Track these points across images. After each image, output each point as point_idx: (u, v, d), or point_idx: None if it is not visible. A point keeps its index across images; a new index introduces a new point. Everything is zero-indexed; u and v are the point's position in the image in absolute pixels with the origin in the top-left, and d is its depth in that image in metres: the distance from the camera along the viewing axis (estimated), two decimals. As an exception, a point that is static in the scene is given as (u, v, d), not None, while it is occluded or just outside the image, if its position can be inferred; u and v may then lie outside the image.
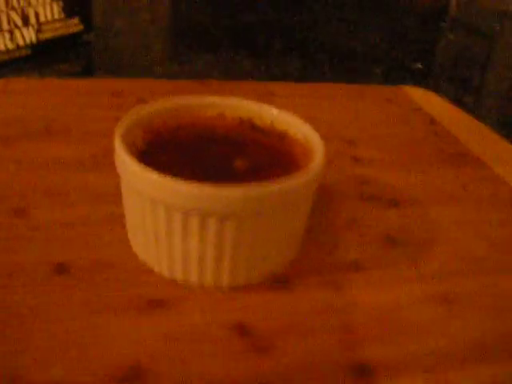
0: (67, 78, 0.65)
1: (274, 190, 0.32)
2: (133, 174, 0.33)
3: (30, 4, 0.67)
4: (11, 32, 0.67)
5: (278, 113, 0.41)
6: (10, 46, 0.68)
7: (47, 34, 0.71)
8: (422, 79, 0.80)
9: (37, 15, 0.69)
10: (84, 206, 0.41)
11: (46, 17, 0.69)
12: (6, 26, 0.67)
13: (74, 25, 0.72)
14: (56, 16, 0.70)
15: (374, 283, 0.37)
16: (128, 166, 0.33)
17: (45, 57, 0.71)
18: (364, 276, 0.38)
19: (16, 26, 0.68)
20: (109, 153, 0.48)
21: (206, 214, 0.32)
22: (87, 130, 0.51)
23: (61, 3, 0.69)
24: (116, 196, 0.42)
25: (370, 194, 0.47)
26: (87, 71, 0.69)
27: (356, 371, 0.31)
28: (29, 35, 0.69)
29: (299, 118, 0.40)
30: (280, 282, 0.36)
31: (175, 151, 0.37)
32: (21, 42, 0.69)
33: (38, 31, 0.70)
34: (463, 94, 0.78)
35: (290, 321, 0.34)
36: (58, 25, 0.71)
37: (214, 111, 0.42)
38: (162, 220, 0.33)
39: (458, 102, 0.71)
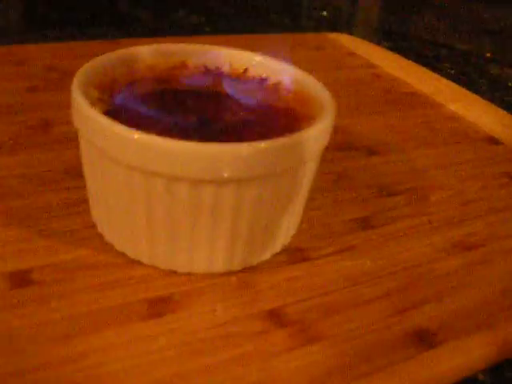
0: None
1: (292, 142, 0.26)
2: (116, 139, 0.25)
3: None
4: None
5: (254, 57, 0.34)
6: None
7: None
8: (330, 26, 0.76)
9: None
10: (28, 195, 0.32)
11: None
12: None
13: None
14: None
15: (392, 240, 0.33)
16: (102, 128, 0.25)
17: None
18: (378, 234, 0.33)
19: None
20: (33, 130, 0.39)
21: (220, 180, 0.25)
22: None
23: None
24: (64, 177, 0.34)
25: (343, 143, 0.42)
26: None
27: (415, 338, 0.26)
28: None
29: (279, 61, 0.34)
30: (294, 254, 0.31)
31: (140, 110, 0.30)
32: None
33: None
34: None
35: (327, 299, 0.28)
36: None
37: (172, 60, 0.34)
38: (157, 194, 0.25)
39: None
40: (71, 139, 0.37)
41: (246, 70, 0.34)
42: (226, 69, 0.34)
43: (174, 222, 0.26)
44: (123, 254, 0.29)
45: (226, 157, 0.24)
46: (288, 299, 0.28)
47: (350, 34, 0.70)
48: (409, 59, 0.65)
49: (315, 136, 0.27)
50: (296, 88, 0.32)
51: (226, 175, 0.25)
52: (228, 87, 0.33)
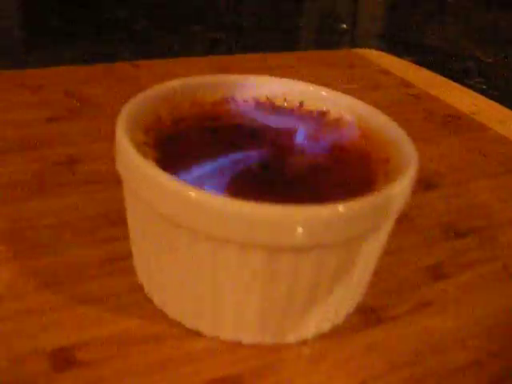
0: None
1: (379, 201, 0.22)
2: (170, 197, 0.21)
3: None
4: None
5: (310, 88, 0.31)
6: None
7: None
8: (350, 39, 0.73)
9: None
10: (62, 250, 0.28)
11: None
12: None
13: None
14: None
15: (470, 292, 0.29)
16: (162, 187, 0.21)
17: None
18: (453, 284, 0.30)
19: None
20: (58, 167, 0.35)
21: (299, 247, 0.21)
22: (19, 139, 0.37)
23: None
24: (100, 226, 0.30)
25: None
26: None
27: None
28: None
29: (338, 92, 0.31)
30: (368, 315, 0.27)
31: (194, 157, 0.26)
32: None
33: None
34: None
35: (412, 370, 0.24)
36: None
37: (219, 94, 0.30)
38: (226, 262, 0.22)
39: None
40: (102, 179, 0.34)
41: (302, 103, 0.30)
42: (279, 102, 0.31)
43: (245, 291, 0.22)
44: (179, 323, 0.25)
45: (307, 221, 0.21)
46: (369, 372, 0.24)
47: (369, 46, 0.67)
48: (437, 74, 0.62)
49: (403, 190, 0.23)
50: (361, 123, 0.29)
51: (305, 241, 0.21)
52: (286, 124, 0.29)
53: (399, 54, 0.73)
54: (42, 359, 0.23)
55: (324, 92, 0.30)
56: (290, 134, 0.29)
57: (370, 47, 0.68)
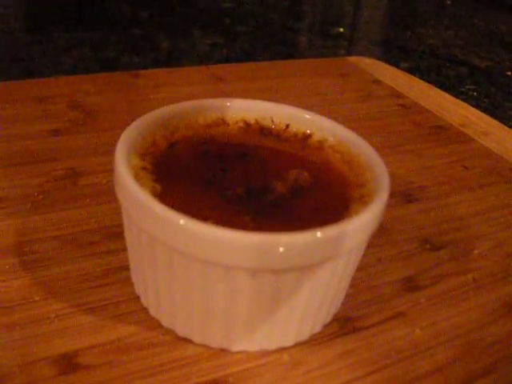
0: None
1: (351, 227, 0.25)
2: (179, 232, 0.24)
3: None
4: None
5: (295, 112, 0.33)
6: None
7: None
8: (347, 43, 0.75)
9: None
10: (65, 261, 0.31)
11: None
12: None
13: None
14: None
15: (439, 303, 0.32)
16: (154, 215, 0.24)
17: None
18: (425, 296, 0.32)
19: None
20: (61, 181, 0.37)
21: (279, 270, 0.24)
22: (24, 152, 0.40)
23: None
24: (101, 239, 0.33)
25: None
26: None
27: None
28: None
29: (322, 116, 0.33)
30: (344, 324, 0.30)
31: (188, 182, 0.28)
32: None
33: None
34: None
35: (381, 376, 0.27)
36: None
37: (210, 116, 0.33)
38: (214, 281, 0.24)
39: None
40: (102, 192, 0.36)
41: (288, 126, 0.33)
42: (266, 123, 0.33)
43: (232, 307, 0.25)
44: (171, 331, 0.28)
45: (284, 247, 0.23)
46: (343, 378, 0.27)
47: (368, 50, 0.69)
48: (430, 80, 0.64)
49: (374, 217, 0.26)
50: (343, 148, 0.31)
51: (284, 265, 0.24)
52: (272, 145, 0.32)
53: (396, 59, 0.75)
54: (49, 364, 0.25)
55: (308, 115, 0.33)
56: (275, 156, 0.31)
57: (366, 52, 0.70)
